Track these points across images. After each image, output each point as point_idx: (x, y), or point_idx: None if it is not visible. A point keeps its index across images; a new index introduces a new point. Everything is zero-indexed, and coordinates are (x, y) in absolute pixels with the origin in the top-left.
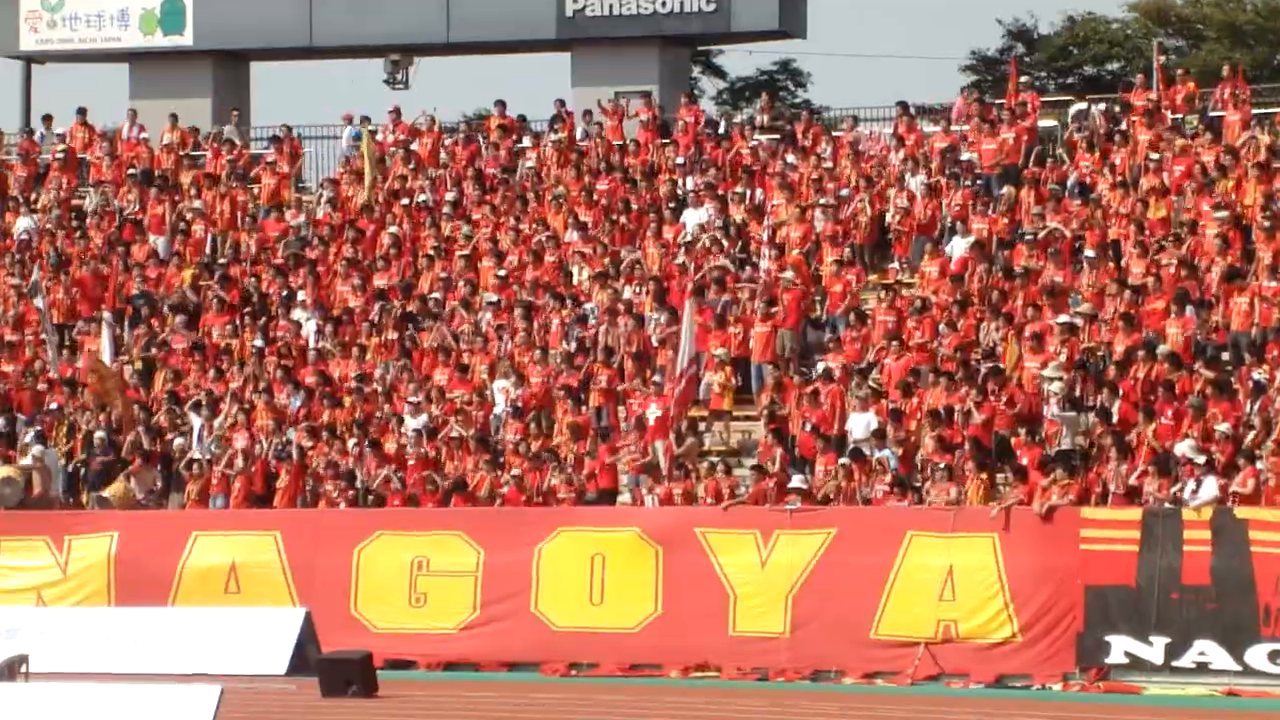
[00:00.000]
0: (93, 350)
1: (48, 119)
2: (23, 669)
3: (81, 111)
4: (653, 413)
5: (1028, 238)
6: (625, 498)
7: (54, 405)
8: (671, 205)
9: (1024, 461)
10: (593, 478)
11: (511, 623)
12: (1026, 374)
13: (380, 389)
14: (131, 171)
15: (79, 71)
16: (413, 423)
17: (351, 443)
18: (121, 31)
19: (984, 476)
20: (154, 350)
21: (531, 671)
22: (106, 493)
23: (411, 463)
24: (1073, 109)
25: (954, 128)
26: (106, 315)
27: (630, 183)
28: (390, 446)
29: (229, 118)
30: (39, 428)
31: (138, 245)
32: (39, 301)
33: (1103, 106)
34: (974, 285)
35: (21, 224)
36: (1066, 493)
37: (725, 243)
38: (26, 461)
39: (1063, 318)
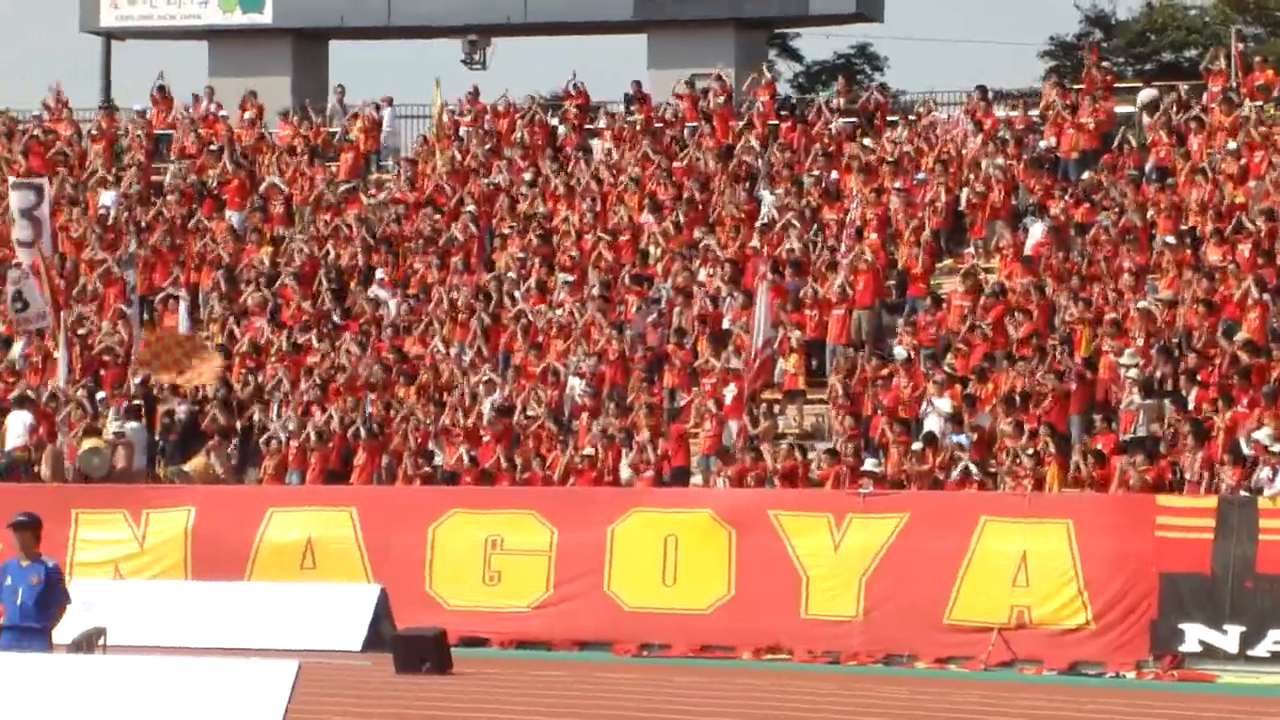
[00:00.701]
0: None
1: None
2: (100, 642)
3: (161, 88)
4: (728, 393)
5: (1105, 223)
6: (697, 479)
7: (137, 379)
8: (747, 186)
9: (1100, 447)
10: (666, 458)
11: (584, 602)
12: (1103, 360)
13: (456, 367)
14: (211, 147)
15: (158, 48)
16: (488, 401)
17: (427, 420)
18: (201, 9)
19: (1059, 462)
20: (232, 325)
21: (603, 651)
22: (187, 467)
23: (486, 440)
24: (1142, 95)
25: (1031, 112)
26: (183, 291)
27: (705, 163)
28: (466, 424)
29: (308, 95)
30: (127, 402)
31: (216, 220)
32: (130, 275)
33: (1176, 93)
34: (1051, 270)
35: (106, 197)
36: (1143, 478)
37: (799, 225)
38: (111, 435)
39: (1140, 303)
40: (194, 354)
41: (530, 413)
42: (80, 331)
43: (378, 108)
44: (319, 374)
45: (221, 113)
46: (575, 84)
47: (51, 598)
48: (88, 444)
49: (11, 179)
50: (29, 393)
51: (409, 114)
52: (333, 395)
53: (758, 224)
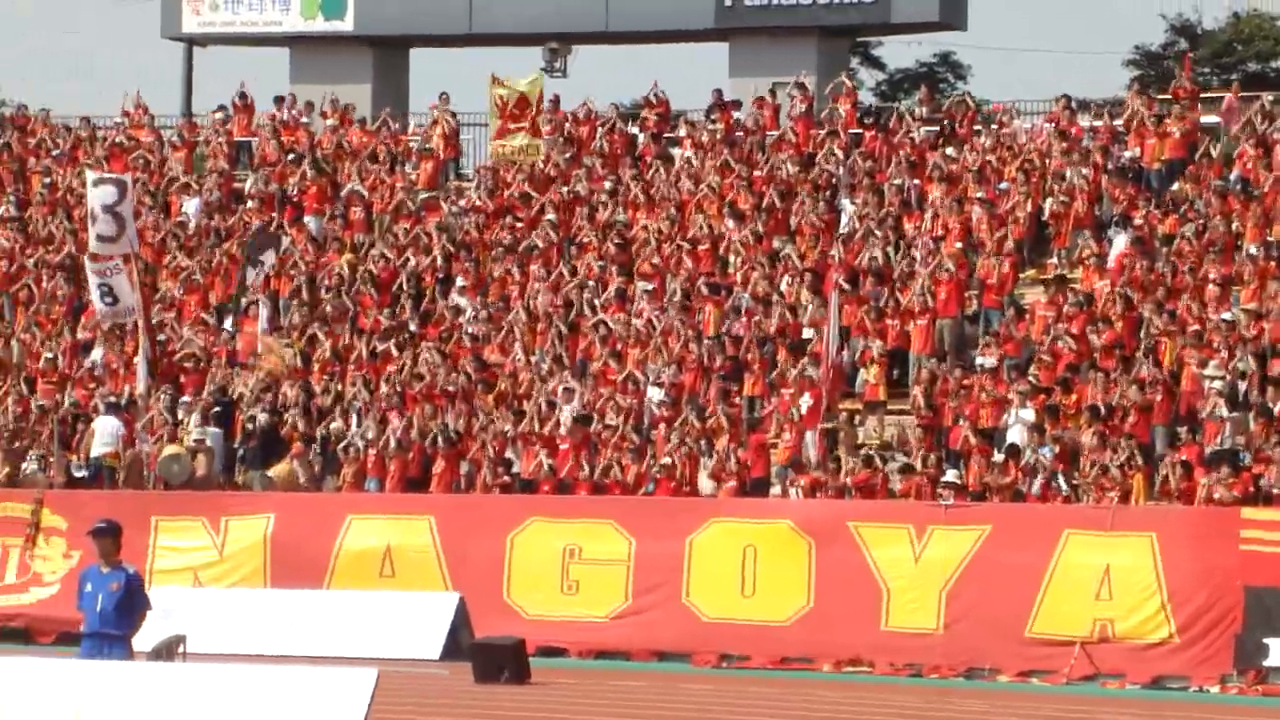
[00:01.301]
0: (254, 332)
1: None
2: (180, 649)
3: (243, 95)
4: (805, 403)
5: (1189, 234)
6: (776, 490)
7: (217, 385)
8: (828, 195)
9: (1185, 459)
10: (745, 468)
11: (662, 613)
12: (1187, 371)
13: (535, 375)
14: (291, 155)
15: (239, 55)
16: (566, 409)
17: (506, 428)
18: (283, 16)
19: (1143, 474)
20: (312, 332)
21: (682, 662)
22: (271, 472)
23: (564, 448)
24: (1224, 105)
25: (1115, 122)
26: (263, 296)
27: (786, 172)
28: (544, 432)
29: (388, 102)
30: (207, 409)
31: (296, 228)
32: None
33: (1261, 104)
34: (1134, 281)
35: (189, 205)
36: (1229, 491)
37: (880, 234)
38: (192, 442)
39: (1225, 315)
40: (263, 351)
41: (609, 421)
42: (159, 338)
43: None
44: (398, 381)
45: (303, 119)
46: (656, 93)
47: (132, 605)
48: (168, 451)
49: (92, 175)
50: (114, 399)
51: (479, 122)
52: (411, 403)
53: (838, 233)
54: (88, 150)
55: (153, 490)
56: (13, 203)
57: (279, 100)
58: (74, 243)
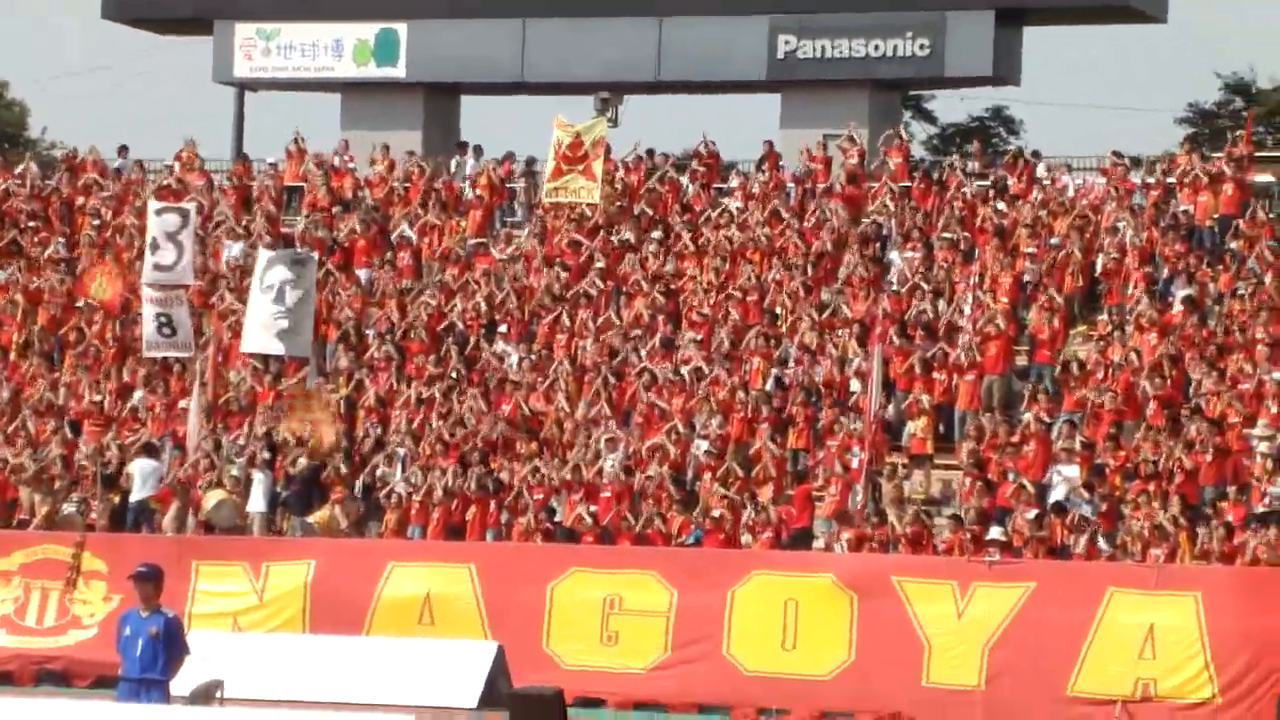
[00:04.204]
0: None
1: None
2: (218, 694)
3: (296, 140)
4: (853, 457)
5: (1242, 292)
6: (819, 543)
7: (262, 429)
8: (878, 247)
9: (1230, 519)
10: (783, 522)
11: (703, 665)
12: (1235, 431)
13: (580, 424)
14: (341, 204)
15: (291, 100)
16: (610, 459)
17: (550, 476)
18: (335, 61)
19: (1189, 534)
20: (359, 376)
21: (721, 715)
22: (311, 519)
23: (606, 497)
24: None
25: (1169, 179)
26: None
27: (835, 223)
28: (587, 480)
29: (438, 149)
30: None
31: (344, 273)
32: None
33: None
34: (1185, 339)
35: (235, 248)
36: (1273, 553)
37: (929, 287)
38: (230, 485)
39: (1276, 374)
40: (318, 409)
41: (652, 472)
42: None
43: (500, 163)
44: (443, 428)
45: (351, 165)
46: (706, 143)
47: (171, 649)
48: (214, 496)
49: (155, 204)
50: (154, 441)
51: (537, 169)
52: (455, 450)
53: (886, 286)
54: (138, 193)
55: (193, 535)
56: (62, 244)
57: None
58: (123, 284)
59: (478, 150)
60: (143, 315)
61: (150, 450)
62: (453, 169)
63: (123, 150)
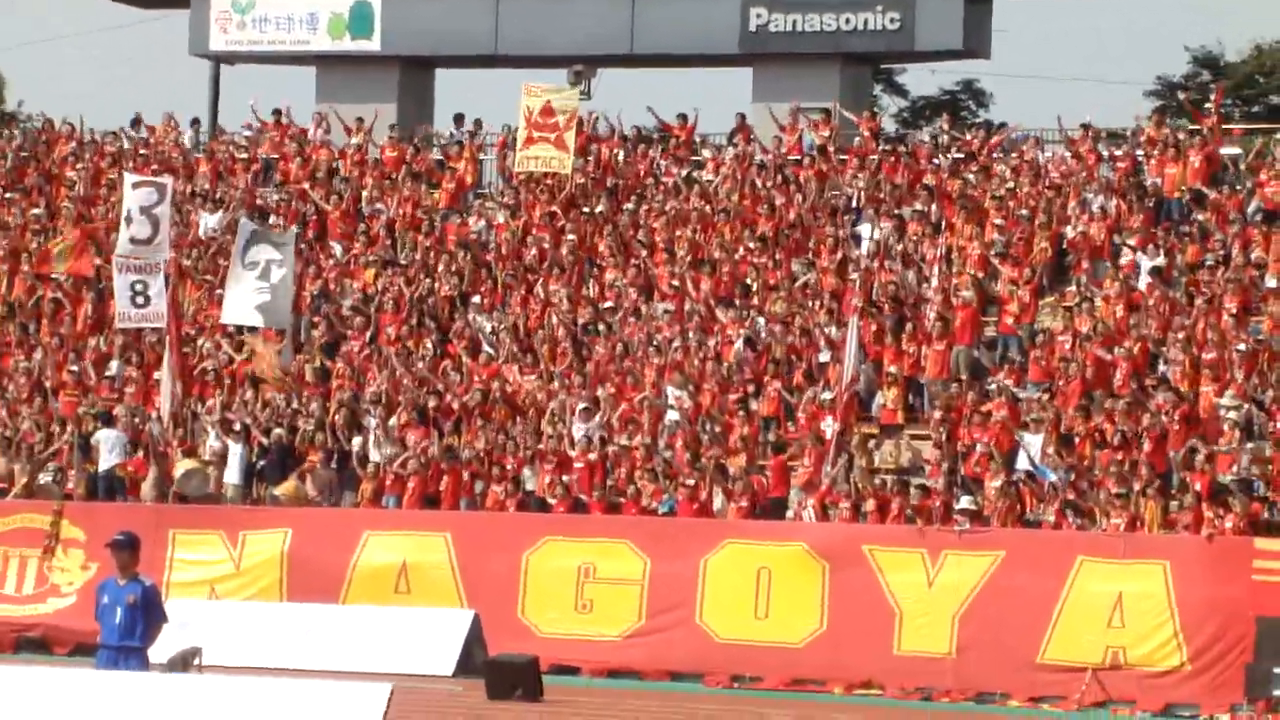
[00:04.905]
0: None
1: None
2: (195, 661)
3: (276, 112)
4: (827, 427)
5: (1209, 263)
6: (790, 513)
7: (235, 400)
8: (848, 219)
9: (1198, 488)
10: (755, 490)
11: (676, 633)
12: (1203, 400)
13: (552, 393)
14: (317, 175)
15: (266, 73)
16: (581, 429)
17: (523, 447)
18: (310, 35)
19: (1158, 502)
20: (332, 349)
21: (694, 682)
22: (278, 491)
23: (580, 467)
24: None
25: (1137, 151)
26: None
27: (805, 196)
28: (560, 450)
29: (413, 121)
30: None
31: (318, 245)
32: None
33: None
34: (1154, 309)
35: (211, 220)
36: (1240, 521)
37: (898, 259)
38: (209, 455)
39: (1241, 346)
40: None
41: (625, 441)
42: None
43: (472, 135)
44: (417, 398)
45: (327, 137)
46: (679, 115)
47: (148, 617)
48: (184, 465)
49: (131, 176)
50: (109, 412)
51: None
52: (430, 420)
53: (856, 258)
54: (115, 163)
55: (170, 504)
56: (44, 212)
57: (318, 117)
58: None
59: (458, 119)
60: (115, 287)
61: (108, 420)
62: (447, 136)
63: (136, 123)
